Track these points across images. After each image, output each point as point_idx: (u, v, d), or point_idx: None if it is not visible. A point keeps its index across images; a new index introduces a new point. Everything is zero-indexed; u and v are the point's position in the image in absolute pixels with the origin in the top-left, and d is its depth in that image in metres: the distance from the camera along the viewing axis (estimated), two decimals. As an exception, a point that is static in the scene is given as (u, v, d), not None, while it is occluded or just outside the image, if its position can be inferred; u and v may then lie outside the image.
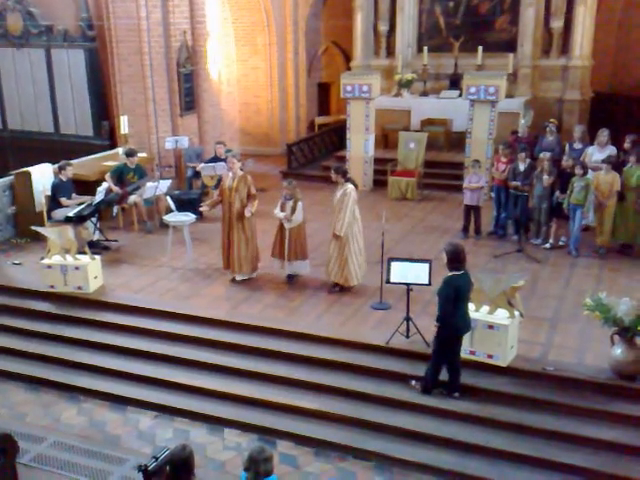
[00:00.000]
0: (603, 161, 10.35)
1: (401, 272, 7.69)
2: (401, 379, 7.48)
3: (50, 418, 7.77)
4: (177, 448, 4.64)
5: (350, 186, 8.91)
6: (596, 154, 11.05)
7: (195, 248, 10.77)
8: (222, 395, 7.73)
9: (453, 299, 6.78)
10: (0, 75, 16.33)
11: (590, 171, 10.60)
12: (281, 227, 9.35)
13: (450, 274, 6.88)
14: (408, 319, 7.82)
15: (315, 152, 16.66)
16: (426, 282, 7.59)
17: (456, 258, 6.86)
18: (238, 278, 9.58)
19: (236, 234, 9.34)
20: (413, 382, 7.34)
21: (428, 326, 7.81)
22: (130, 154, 12.02)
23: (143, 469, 4.42)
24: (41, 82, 15.72)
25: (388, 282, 7.84)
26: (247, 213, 9.25)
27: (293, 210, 9.17)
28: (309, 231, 9.73)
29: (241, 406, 7.58)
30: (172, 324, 8.72)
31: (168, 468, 4.54)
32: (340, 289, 9.17)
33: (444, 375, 7.19)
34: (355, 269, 9.08)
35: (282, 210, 9.26)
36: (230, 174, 9.41)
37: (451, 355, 7.11)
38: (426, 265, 7.65)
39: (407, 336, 7.82)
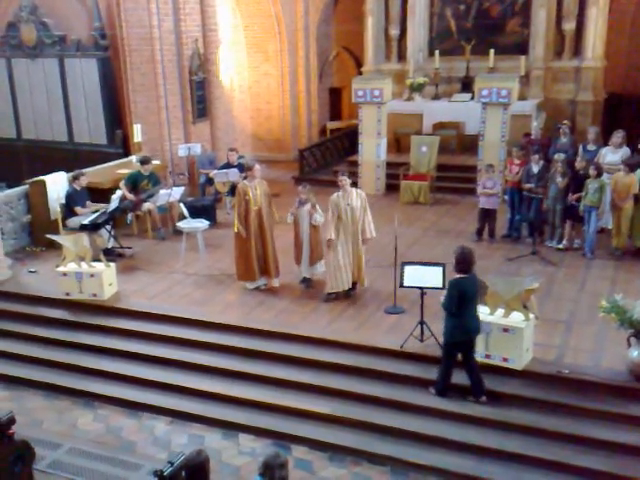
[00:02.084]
0: (622, 162, 10.27)
1: (415, 276, 7.69)
2: (415, 383, 7.46)
3: (66, 424, 7.82)
4: (192, 453, 4.66)
5: (359, 189, 9.04)
6: (610, 155, 11.00)
7: (209, 254, 10.81)
8: (236, 400, 7.74)
9: (457, 301, 6.79)
10: (14, 85, 16.50)
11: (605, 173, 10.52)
12: (298, 233, 9.39)
13: (456, 277, 6.91)
14: (422, 323, 7.80)
15: (327, 157, 16.68)
16: (440, 285, 7.56)
17: (463, 261, 6.87)
18: (276, 284, 9.58)
19: (270, 240, 9.40)
20: (430, 389, 7.30)
21: (442, 330, 7.79)
22: (144, 162, 12.09)
23: (159, 474, 4.44)
24: (55, 92, 15.85)
25: (402, 286, 7.84)
26: (289, 219, 9.34)
27: (312, 215, 9.25)
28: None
29: (255, 411, 7.59)
30: (186, 330, 8.75)
31: (184, 473, 4.55)
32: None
33: (463, 379, 7.16)
34: None
35: (294, 215, 9.33)
36: (247, 182, 9.41)
37: (465, 359, 7.08)
38: (440, 268, 7.64)
39: (421, 340, 7.80)
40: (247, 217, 9.29)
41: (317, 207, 9.29)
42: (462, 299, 6.81)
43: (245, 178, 9.71)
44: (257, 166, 9.45)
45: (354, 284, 9.14)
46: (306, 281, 9.58)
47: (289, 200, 10.49)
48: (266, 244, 9.39)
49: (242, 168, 12.73)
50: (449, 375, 7.18)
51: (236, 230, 9.36)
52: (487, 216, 11.15)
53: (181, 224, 10.86)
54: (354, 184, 9.17)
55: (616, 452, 6.45)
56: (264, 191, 9.39)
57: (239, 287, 9.65)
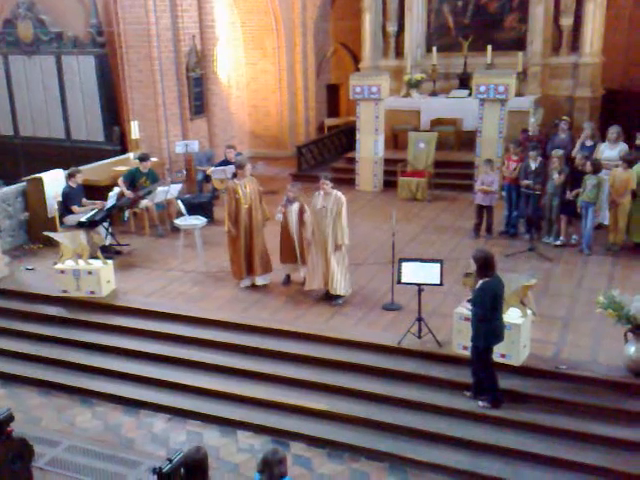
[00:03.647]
0: (621, 158, 10.28)
1: (412, 272, 7.68)
2: (413, 379, 7.47)
3: (64, 422, 7.82)
4: (191, 450, 4.66)
5: (339, 192, 8.78)
6: (607, 151, 11.01)
7: (206, 251, 10.80)
8: (235, 397, 7.75)
9: (491, 305, 6.63)
10: (11, 82, 16.48)
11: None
12: (287, 233, 9.35)
13: (484, 280, 6.70)
14: (420, 319, 7.81)
15: (325, 154, 16.69)
16: (437, 282, 7.58)
17: (486, 265, 6.67)
18: (260, 282, 9.53)
19: (257, 238, 9.36)
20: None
21: (440, 326, 7.84)
22: (143, 159, 12.08)
23: (158, 472, 4.44)
24: (52, 89, 15.83)
25: (399, 283, 7.82)
26: (278, 217, 9.31)
27: (301, 214, 9.18)
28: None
29: (254, 408, 7.60)
30: (184, 327, 8.75)
31: (183, 470, 4.55)
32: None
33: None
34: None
35: (283, 213, 9.29)
36: (237, 180, 9.38)
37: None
38: (437, 265, 7.63)
39: (419, 336, 7.81)
40: (237, 215, 9.27)
41: (306, 207, 9.19)
42: (493, 303, 6.65)
43: (235, 176, 9.68)
44: (248, 165, 9.42)
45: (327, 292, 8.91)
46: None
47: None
48: (253, 242, 9.35)
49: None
50: (494, 380, 6.91)
51: (227, 229, 9.37)
52: (484, 212, 11.15)
53: (178, 221, 10.85)
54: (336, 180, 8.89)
55: (614, 447, 6.47)
56: (255, 189, 9.35)
57: (236, 284, 9.65)
